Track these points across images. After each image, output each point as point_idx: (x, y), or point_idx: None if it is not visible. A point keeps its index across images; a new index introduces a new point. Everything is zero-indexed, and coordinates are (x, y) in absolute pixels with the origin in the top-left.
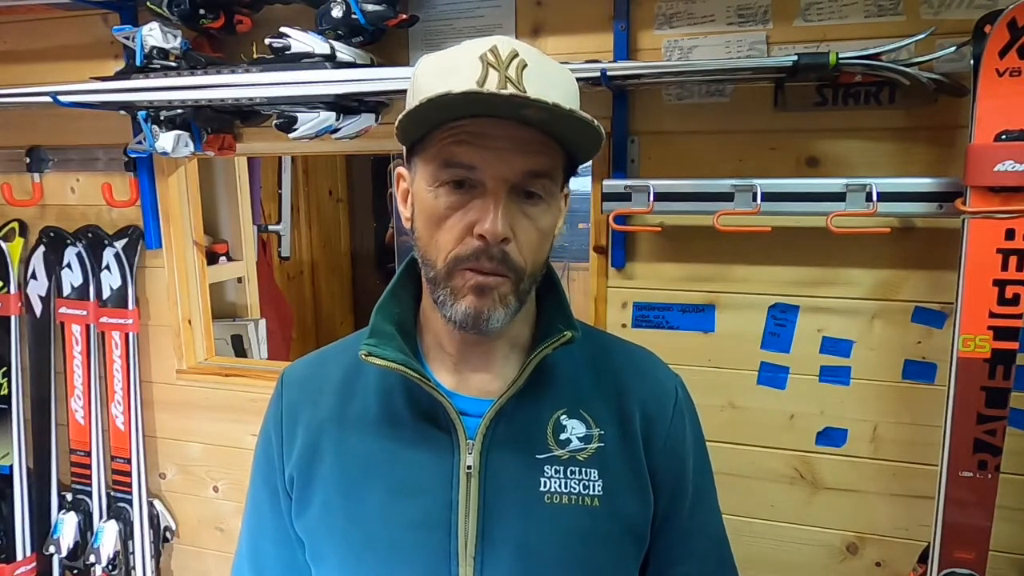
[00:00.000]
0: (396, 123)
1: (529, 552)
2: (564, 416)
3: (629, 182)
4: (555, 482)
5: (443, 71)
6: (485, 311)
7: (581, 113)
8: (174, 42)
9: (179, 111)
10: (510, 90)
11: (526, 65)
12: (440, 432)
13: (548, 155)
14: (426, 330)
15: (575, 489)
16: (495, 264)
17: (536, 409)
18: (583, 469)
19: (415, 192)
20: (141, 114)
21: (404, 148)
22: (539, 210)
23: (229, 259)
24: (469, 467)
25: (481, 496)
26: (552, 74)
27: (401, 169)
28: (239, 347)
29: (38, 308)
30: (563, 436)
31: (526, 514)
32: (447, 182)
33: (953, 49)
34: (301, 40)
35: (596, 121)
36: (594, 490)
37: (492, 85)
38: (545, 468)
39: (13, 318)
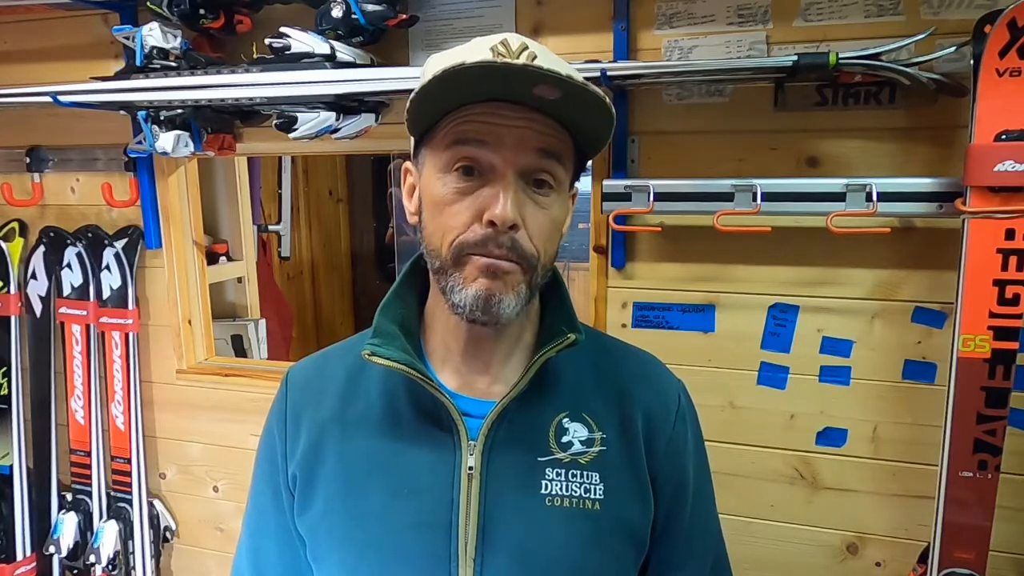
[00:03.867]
0: (407, 105)
1: (529, 554)
2: (566, 419)
3: (629, 182)
4: (556, 485)
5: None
6: (496, 294)
7: (593, 87)
8: (174, 42)
9: (179, 111)
10: (523, 61)
11: (536, 57)
12: (442, 433)
13: (559, 138)
14: (430, 330)
15: (576, 492)
16: (504, 251)
17: (538, 411)
18: (584, 472)
19: (423, 183)
20: (141, 114)
21: (412, 141)
22: (549, 199)
23: (229, 259)
24: (470, 468)
25: (482, 497)
26: (560, 68)
27: (408, 164)
28: (239, 347)
29: (38, 308)
30: (565, 439)
31: (527, 516)
32: (456, 167)
33: (953, 49)
34: (301, 40)
35: (608, 98)
36: (595, 494)
37: None
38: (547, 471)
39: (13, 318)
